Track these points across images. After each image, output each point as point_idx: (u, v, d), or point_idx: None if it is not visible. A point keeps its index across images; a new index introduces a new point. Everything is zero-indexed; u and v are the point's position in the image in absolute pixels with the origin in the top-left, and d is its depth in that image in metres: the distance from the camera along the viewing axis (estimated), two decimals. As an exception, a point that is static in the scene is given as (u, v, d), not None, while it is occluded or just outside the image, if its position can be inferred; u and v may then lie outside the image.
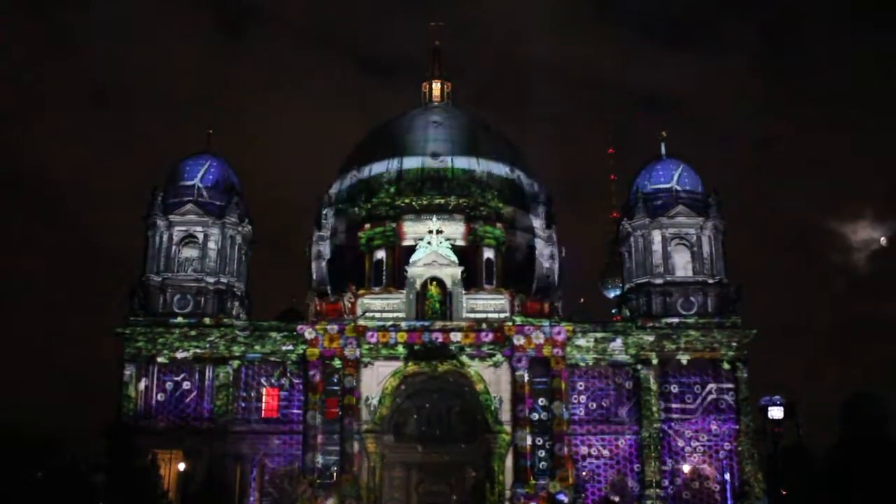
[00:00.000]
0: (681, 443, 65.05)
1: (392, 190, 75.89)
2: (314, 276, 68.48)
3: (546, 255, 69.20)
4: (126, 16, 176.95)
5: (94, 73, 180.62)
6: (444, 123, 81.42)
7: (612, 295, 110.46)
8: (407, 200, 74.91)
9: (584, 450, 65.64)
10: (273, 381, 66.90)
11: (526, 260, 75.54)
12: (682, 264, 69.03)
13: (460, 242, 72.38)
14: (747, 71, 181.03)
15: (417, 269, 67.86)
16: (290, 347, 66.66)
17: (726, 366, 66.06)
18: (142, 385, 65.41)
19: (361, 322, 66.06)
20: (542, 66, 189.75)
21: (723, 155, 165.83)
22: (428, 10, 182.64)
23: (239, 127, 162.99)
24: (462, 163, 77.94)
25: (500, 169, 79.23)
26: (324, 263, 72.37)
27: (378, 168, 77.98)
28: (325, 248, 74.46)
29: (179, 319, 66.47)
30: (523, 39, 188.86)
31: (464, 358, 65.77)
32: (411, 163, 77.92)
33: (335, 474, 62.64)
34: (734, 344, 66.27)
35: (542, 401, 64.73)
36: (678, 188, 70.98)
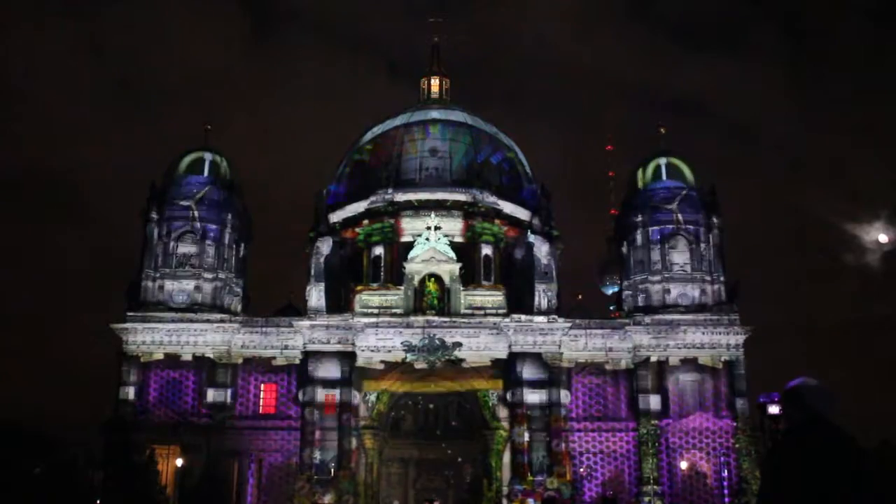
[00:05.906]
0: (678, 439, 64.98)
1: (390, 186, 75.75)
2: (312, 272, 68.49)
3: (544, 251, 68.96)
4: (157, 18, 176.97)
5: (115, 72, 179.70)
6: (441, 120, 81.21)
7: (610, 291, 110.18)
8: (405, 197, 74.79)
9: (581, 446, 65.69)
10: (271, 377, 66.98)
11: (524, 256, 75.35)
12: (681, 261, 68.96)
13: (458, 239, 72.18)
14: (761, 73, 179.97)
15: (415, 266, 67.79)
16: (289, 343, 66.68)
17: (724, 362, 66.12)
18: (139, 380, 65.44)
19: (359, 318, 66.05)
20: (545, 63, 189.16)
21: (728, 154, 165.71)
22: (434, 9, 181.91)
23: (241, 123, 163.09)
24: (460, 159, 77.87)
25: (499, 165, 79.19)
26: (322, 259, 72.06)
27: (376, 164, 77.83)
28: (324, 244, 74.29)
29: (177, 315, 66.49)
30: (532, 38, 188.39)
31: (462, 354, 65.77)
32: (410, 159, 77.86)
33: (333, 470, 62.68)
34: (732, 340, 66.27)
35: (540, 397, 64.82)
36: (677, 185, 70.93)
